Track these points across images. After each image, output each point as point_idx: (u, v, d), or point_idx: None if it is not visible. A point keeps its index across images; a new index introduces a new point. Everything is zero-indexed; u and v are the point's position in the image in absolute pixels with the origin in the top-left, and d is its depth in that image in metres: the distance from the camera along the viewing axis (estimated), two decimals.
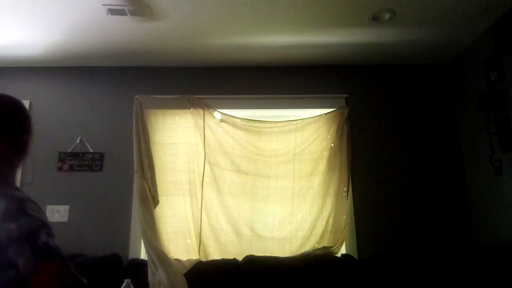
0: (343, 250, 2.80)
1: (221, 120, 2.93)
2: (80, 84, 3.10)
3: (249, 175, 2.84)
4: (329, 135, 2.92)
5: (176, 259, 2.60)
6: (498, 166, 2.47)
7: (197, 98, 2.97)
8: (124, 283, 1.85)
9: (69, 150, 2.93)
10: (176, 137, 2.91)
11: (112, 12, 2.35)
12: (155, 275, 2.45)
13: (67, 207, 2.83)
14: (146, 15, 2.39)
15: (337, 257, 2.64)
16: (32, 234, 0.83)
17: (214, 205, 2.79)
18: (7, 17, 2.42)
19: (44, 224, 0.89)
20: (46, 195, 2.84)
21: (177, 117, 2.97)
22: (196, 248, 2.71)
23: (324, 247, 2.71)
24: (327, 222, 2.77)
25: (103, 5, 2.28)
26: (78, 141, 2.94)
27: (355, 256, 2.73)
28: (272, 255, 2.65)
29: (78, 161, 2.91)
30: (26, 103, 3.01)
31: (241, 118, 2.92)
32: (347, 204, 2.81)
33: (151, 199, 2.70)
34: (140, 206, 2.65)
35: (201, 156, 2.85)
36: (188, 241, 2.73)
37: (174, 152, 2.88)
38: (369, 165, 2.94)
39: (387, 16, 2.43)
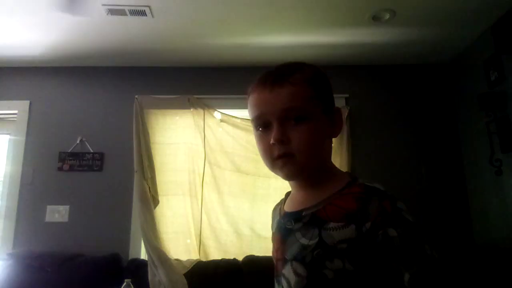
0: None
1: (221, 120, 2.93)
2: (80, 84, 3.10)
3: (249, 175, 2.84)
4: None
5: (176, 259, 2.60)
6: (498, 166, 2.47)
7: (197, 98, 2.96)
8: (124, 283, 1.85)
9: (69, 150, 2.93)
10: (176, 137, 2.91)
11: (112, 12, 2.34)
12: (155, 275, 2.45)
13: (67, 207, 2.83)
14: (146, 15, 2.39)
15: None
16: (417, 245, 0.69)
17: (214, 205, 2.79)
18: (7, 17, 2.41)
19: (424, 233, 0.73)
20: (46, 195, 2.84)
21: (177, 117, 2.97)
22: (196, 248, 2.71)
23: None
24: None
25: (103, 5, 2.28)
26: (78, 141, 2.94)
27: None
28: None
29: (78, 161, 2.91)
30: (26, 103, 3.01)
31: (241, 118, 2.92)
32: None
33: (151, 199, 2.70)
34: (140, 206, 2.65)
35: (201, 156, 2.85)
36: (188, 241, 2.73)
37: (174, 152, 2.87)
38: (369, 165, 2.94)
39: (387, 16, 2.43)
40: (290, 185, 0.88)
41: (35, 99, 3.04)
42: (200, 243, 2.73)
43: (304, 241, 0.75)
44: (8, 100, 3.02)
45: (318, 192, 0.78)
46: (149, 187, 2.72)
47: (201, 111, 2.92)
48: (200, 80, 3.11)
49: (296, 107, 0.76)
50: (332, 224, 0.72)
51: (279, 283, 0.81)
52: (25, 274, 2.44)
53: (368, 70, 3.15)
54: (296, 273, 0.74)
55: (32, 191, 2.85)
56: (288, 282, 0.76)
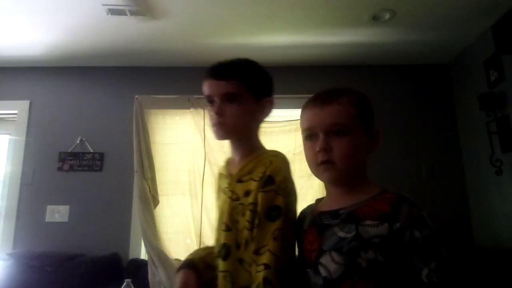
0: None
1: None
2: (80, 84, 3.10)
3: None
4: None
5: (176, 259, 2.60)
6: (498, 166, 2.47)
7: (197, 98, 2.96)
8: (124, 283, 1.85)
9: (69, 150, 2.93)
10: (176, 137, 2.91)
11: (112, 12, 2.34)
12: (155, 275, 2.45)
13: (67, 207, 2.83)
14: (146, 15, 2.39)
15: None
16: (436, 246, 0.85)
17: (214, 205, 2.79)
18: (8, 17, 2.42)
19: (441, 238, 0.89)
20: (46, 195, 2.84)
21: (177, 117, 2.97)
22: (196, 248, 2.71)
23: None
24: None
25: (103, 5, 2.28)
26: (78, 141, 2.94)
27: None
28: None
29: (78, 161, 2.91)
30: (26, 103, 3.02)
31: None
32: None
33: (151, 199, 2.70)
34: (140, 206, 2.65)
35: (201, 156, 2.85)
36: (188, 241, 2.73)
37: (174, 152, 2.87)
38: (368, 164, 2.93)
39: (387, 16, 2.43)
40: (327, 189, 1.04)
41: (35, 99, 3.05)
42: (200, 243, 2.72)
43: (342, 234, 0.87)
44: (8, 100, 3.02)
45: (354, 196, 0.94)
46: (149, 187, 2.71)
47: (201, 111, 2.92)
48: (200, 80, 3.07)
49: (340, 123, 0.92)
50: (368, 222, 0.86)
51: (315, 271, 0.90)
52: (25, 274, 2.44)
53: (368, 70, 3.14)
54: (334, 261, 0.86)
55: (32, 191, 2.85)
56: (327, 269, 0.87)
